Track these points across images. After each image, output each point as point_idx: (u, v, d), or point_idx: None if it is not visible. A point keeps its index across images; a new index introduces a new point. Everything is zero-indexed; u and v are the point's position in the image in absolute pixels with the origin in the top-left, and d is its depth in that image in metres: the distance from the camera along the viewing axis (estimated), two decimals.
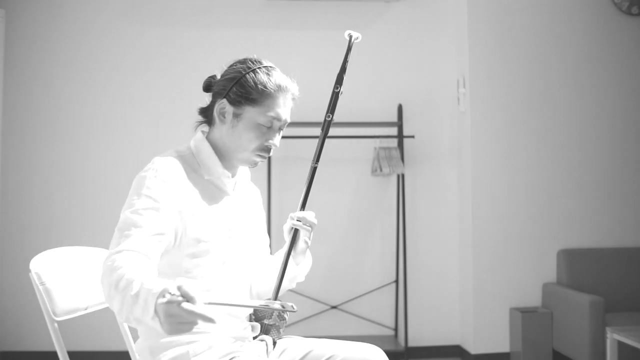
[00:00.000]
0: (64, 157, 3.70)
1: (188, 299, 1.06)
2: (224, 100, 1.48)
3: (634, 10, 3.74)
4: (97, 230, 3.43)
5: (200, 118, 1.58)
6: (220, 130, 1.50)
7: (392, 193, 3.84)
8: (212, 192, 1.48)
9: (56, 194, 3.68)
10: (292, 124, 3.59)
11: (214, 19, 3.79)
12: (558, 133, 3.71)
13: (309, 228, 1.61)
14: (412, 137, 3.74)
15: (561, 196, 3.70)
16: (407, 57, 3.87)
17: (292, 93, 1.52)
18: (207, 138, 1.53)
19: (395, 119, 3.79)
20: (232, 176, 1.54)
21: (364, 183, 3.83)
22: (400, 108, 3.74)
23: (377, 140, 3.71)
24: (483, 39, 3.68)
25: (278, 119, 1.48)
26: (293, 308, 1.31)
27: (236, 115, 1.47)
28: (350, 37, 1.58)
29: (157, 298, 1.09)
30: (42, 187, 3.68)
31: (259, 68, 1.49)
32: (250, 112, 1.46)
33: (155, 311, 1.09)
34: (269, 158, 3.62)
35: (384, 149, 3.67)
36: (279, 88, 1.48)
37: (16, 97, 3.69)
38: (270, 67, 1.52)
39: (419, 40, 3.88)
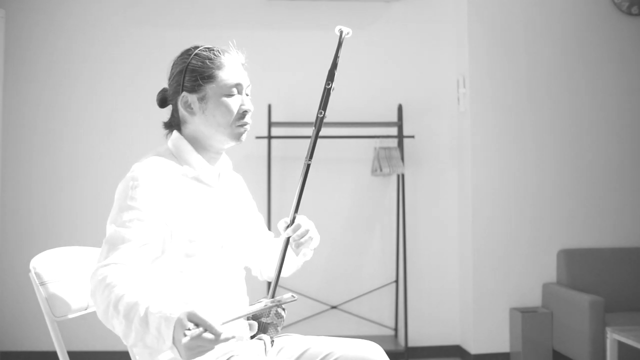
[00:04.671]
0: (64, 157, 3.70)
1: (207, 328, 1.08)
2: (184, 93, 1.50)
3: (634, 10, 3.74)
4: (97, 230, 3.40)
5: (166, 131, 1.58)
6: (193, 122, 1.51)
7: (392, 193, 3.84)
8: (197, 190, 1.48)
9: (56, 194, 3.68)
10: (292, 124, 3.59)
11: (214, 19, 3.79)
12: (558, 133, 3.71)
13: (304, 241, 1.58)
14: (412, 137, 3.74)
15: (561, 196, 3.70)
16: (407, 57, 3.87)
17: (239, 59, 1.55)
18: (183, 136, 1.54)
19: (395, 119, 3.79)
20: (214, 166, 1.55)
21: (364, 183, 3.83)
22: (400, 108, 3.74)
23: (377, 140, 3.71)
24: (483, 39, 3.68)
25: (238, 83, 1.51)
26: (293, 297, 1.30)
27: (201, 99, 1.49)
28: (341, 32, 1.58)
29: (173, 330, 1.10)
30: (42, 187, 3.68)
31: (197, 50, 1.52)
32: (212, 89, 1.48)
33: (173, 341, 1.10)
34: (269, 158, 3.62)
35: (384, 149, 3.67)
36: (225, 56, 1.51)
37: (16, 97, 3.69)
38: (207, 46, 1.54)
39: (419, 40, 3.88)
